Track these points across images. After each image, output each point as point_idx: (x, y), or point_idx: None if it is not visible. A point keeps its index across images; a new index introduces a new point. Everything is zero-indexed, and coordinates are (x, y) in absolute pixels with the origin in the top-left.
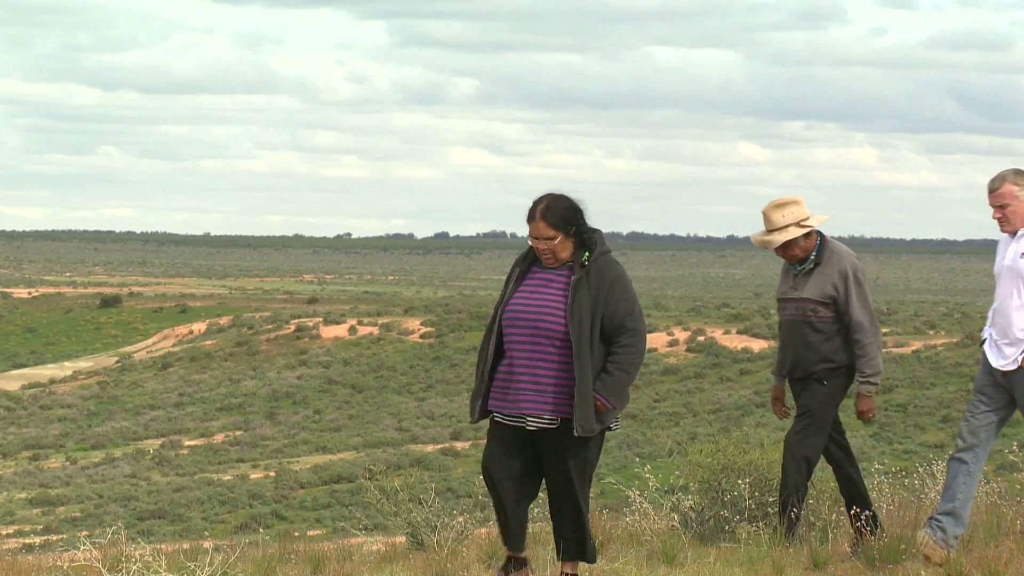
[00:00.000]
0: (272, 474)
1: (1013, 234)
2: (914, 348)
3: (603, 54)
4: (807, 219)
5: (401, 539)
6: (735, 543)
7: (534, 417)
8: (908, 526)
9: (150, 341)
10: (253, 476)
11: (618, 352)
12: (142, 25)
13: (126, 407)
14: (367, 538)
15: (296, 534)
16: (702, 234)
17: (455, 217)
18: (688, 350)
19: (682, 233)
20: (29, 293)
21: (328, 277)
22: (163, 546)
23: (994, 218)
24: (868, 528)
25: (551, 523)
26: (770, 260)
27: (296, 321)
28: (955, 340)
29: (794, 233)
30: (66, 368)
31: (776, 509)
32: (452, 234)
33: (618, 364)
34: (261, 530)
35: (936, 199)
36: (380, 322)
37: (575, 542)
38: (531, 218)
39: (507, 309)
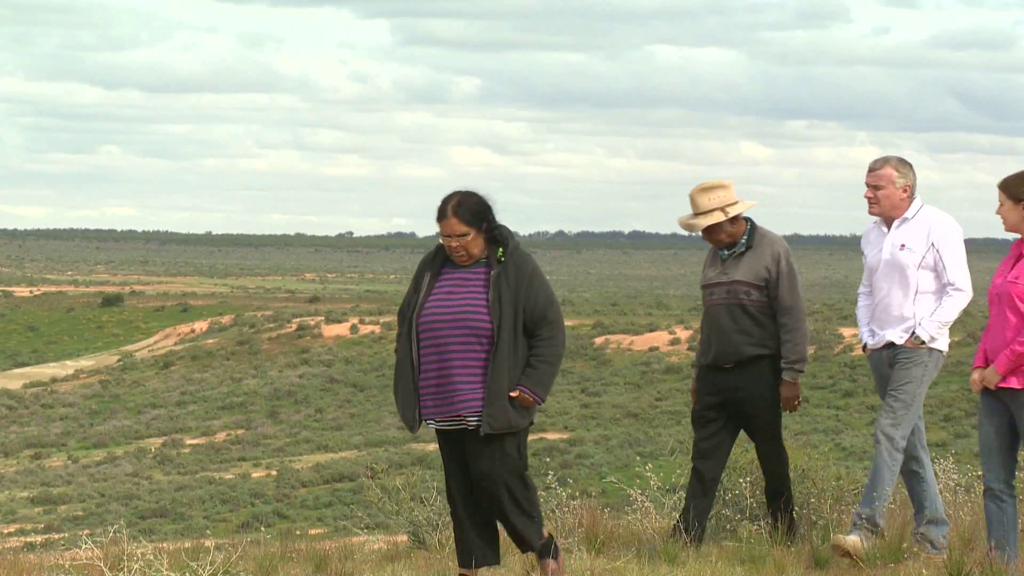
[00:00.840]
0: (274, 473)
1: (883, 222)
2: None
3: (605, 53)
4: (733, 204)
5: (403, 538)
6: (737, 541)
7: (473, 415)
8: (910, 525)
9: (152, 340)
10: (255, 475)
11: (540, 345)
12: (145, 24)
13: (128, 406)
14: (369, 537)
15: (298, 533)
16: None
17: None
18: (690, 349)
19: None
20: (31, 292)
21: (330, 276)
22: (165, 545)
23: (865, 196)
24: (787, 518)
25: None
26: None
27: (298, 320)
28: (957, 339)
29: (718, 218)
30: (68, 367)
31: (779, 508)
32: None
33: (542, 357)
34: (263, 529)
35: (937, 198)
36: (382, 321)
37: (520, 540)
38: (442, 216)
39: (426, 313)
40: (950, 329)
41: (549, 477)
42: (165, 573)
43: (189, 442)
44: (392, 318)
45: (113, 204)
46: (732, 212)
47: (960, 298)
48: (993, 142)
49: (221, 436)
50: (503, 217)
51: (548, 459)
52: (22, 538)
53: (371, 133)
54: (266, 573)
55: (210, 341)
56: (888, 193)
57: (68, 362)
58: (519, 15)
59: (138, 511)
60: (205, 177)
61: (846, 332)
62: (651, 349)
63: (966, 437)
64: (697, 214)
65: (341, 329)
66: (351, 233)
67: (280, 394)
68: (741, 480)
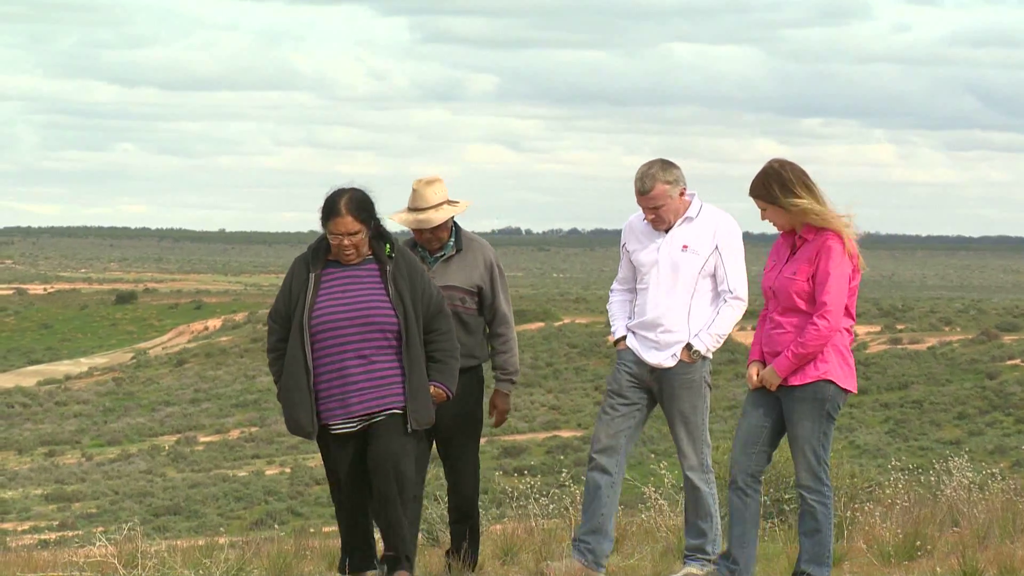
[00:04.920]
0: (287, 470)
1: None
2: (929, 344)
3: (623, 51)
4: (454, 201)
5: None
6: None
7: (378, 412)
8: (923, 523)
9: (165, 337)
10: (268, 472)
11: (438, 340)
12: (163, 22)
13: (141, 403)
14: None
15: (312, 530)
16: None
17: (471, 213)
18: None
19: None
20: (45, 289)
21: None
22: (178, 542)
23: (647, 219)
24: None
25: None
26: None
27: None
28: (971, 336)
29: (448, 212)
30: (82, 364)
31: (792, 507)
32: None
33: (444, 351)
34: (276, 526)
35: (952, 196)
36: None
37: (396, 549)
38: (336, 214)
39: (319, 313)
40: (964, 327)
41: (563, 474)
42: (179, 571)
43: (203, 439)
44: None
45: (127, 201)
46: (459, 208)
47: (738, 308)
48: (1010, 140)
49: (235, 433)
50: (519, 215)
51: (562, 457)
52: (36, 535)
53: (386, 131)
54: (280, 571)
55: (224, 338)
56: (669, 207)
57: (82, 359)
58: (538, 12)
59: (152, 508)
60: (219, 175)
61: (859, 330)
62: None
63: (980, 435)
64: (426, 208)
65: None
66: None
67: None
68: None
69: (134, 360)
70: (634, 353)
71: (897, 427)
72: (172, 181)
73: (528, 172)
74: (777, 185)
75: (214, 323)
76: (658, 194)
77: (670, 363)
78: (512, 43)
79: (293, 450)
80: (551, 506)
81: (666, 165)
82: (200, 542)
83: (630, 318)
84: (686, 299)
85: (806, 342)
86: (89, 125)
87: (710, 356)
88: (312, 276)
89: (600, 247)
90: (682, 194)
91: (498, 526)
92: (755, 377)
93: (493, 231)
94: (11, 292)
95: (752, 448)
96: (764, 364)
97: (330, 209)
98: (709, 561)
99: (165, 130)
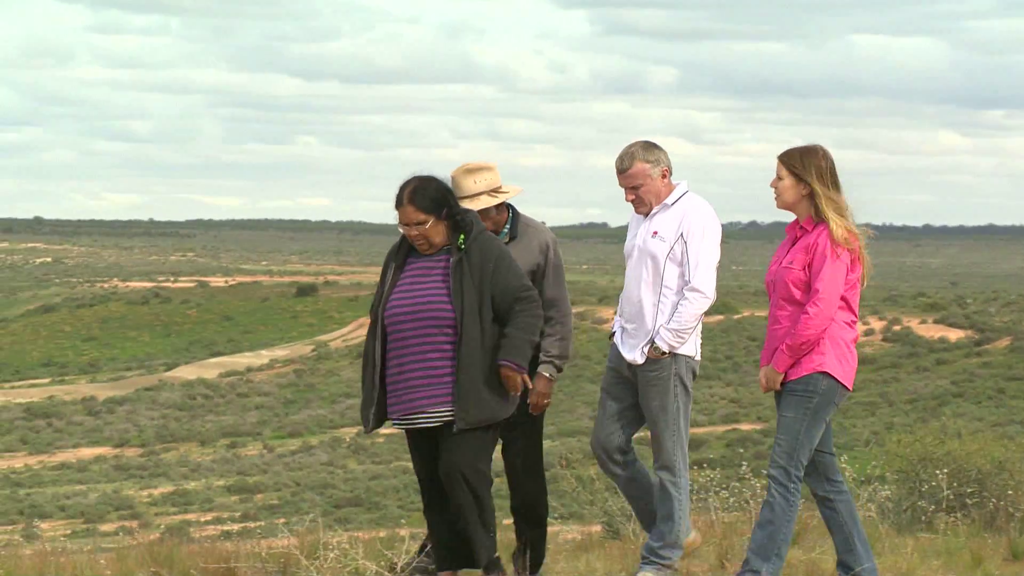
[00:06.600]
0: None
1: (647, 214)
2: None
3: (805, 43)
4: (500, 188)
5: (596, 528)
6: (933, 533)
7: (435, 412)
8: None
9: (346, 329)
10: None
11: (514, 317)
12: (346, 16)
13: (322, 395)
14: (563, 526)
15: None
16: (898, 223)
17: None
18: (884, 339)
19: (877, 222)
20: (226, 282)
21: None
22: (360, 534)
23: (627, 200)
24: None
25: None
26: (968, 249)
27: None
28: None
29: (487, 202)
30: (263, 356)
31: (974, 501)
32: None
33: (515, 324)
34: None
35: None
36: (574, 311)
37: (478, 558)
38: (399, 204)
39: (389, 305)
40: None
41: (743, 467)
42: (360, 562)
43: (383, 431)
44: (585, 308)
45: (308, 194)
46: (501, 197)
47: (697, 301)
48: None
49: None
50: None
51: (742, 450)
52: (219, 526)
53: (566, 123)
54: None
55: None
56: (649, 188)
57: (263, 352)
58: (718, 5)
59: (333, 500)
60: (400, 167)
61: None
62: None
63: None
64: (462, 198)
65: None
66: (544, 223)
67: None
68: (938, 472)
69: (315, 352)
70: (616, 349)
71: None
72: (353, 174)
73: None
74: (816, 168)
75: None
76: (637, 172)
77: (640, 359)
78: (693, 35)
79: None
80: (731, 499)
81: (648, 145)
82: (381, 534)
83: (620, 313)
84: (654, 288)
85: (798, 332)
86: (271, 118)
87: (691, 354)
88: (392, 268)
89: (779, 239)
90: (664, 176)
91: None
92: (764, 381)
93: None
94: (193, 285)
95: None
96: None
97: (395, 199)
98: (665, 566)
99: (346, 123)
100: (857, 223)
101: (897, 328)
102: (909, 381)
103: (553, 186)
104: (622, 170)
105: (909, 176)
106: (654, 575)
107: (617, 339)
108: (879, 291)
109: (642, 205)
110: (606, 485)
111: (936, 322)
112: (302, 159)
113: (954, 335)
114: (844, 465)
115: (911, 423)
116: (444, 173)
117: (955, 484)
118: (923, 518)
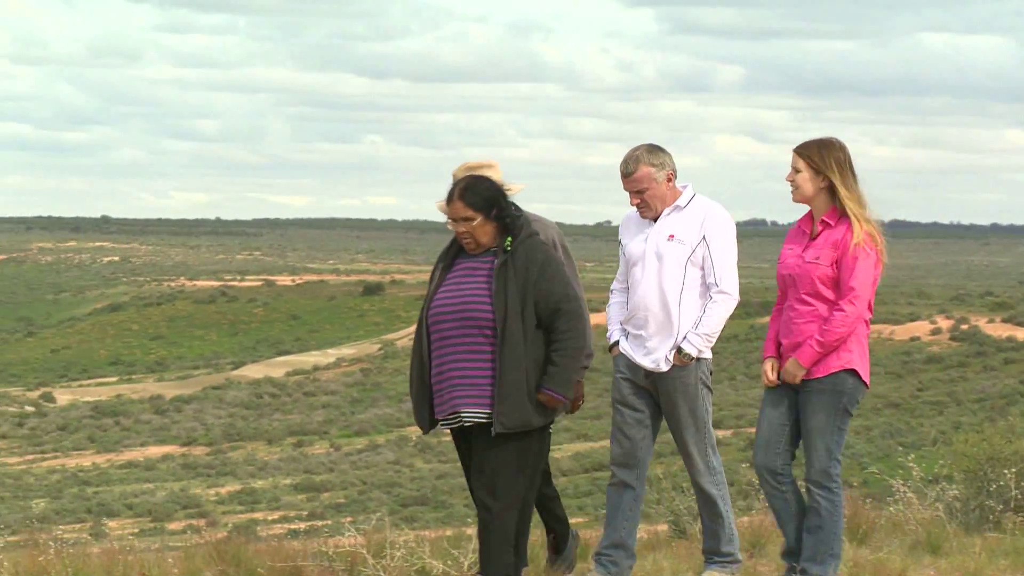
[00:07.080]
0: None
1: (653, 218)
2: None
3: (874, 40)
4: (504, 186)
5: (663, 527)
6: (1001, 533)
7: (468, 413)
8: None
9: (412, 328)
10: None
11: (559, 340)
12: (415, 14)
13: (389, 394)
14: None
15: None
16: (965, 222)
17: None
18: (951, 339)
19: (945, 220)
20: (293, 281)
21: (588, 264)
22: (426, 533)
23: (632, 204)
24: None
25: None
26: None
27: None
28: None
29: None
30: (329, 355)
31: None
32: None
33: (561, 352)
34: None
35: None
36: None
37: (483, 559)
38: (449, 199)
39: (432, 304)
40: None
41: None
42: (427, 561)
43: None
44: None
45: (375, 193)
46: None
47: (725, 303)
48: None
49: None
50: (766, 207)
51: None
52: (286, 525)
53: (634, 122)
54: (528, 561)
55: None
56: (654, 192)
57: (330, 350)
58: (787, 3)
59: (400, 499)
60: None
61: None
62: (912, 339)
63: None
64: None
65: (599, 318)
66: (609, 222)
67: None
68: (1006, 471)
69: (381, 351)
70: (627, 358)
71: None
72: (420, 173)
73: (775, 163)
74: (835, 161)
75: None
76: (642, 176)
77: (664, 367)
78: (760, 34)
79: None
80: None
81: (653, 148)
82: (448, 533)
83: (628, 321)
84: (675, 292)
85: (832, 328)
86: (338, 117)
87: (708, 356)
88: (439, 268)
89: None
90: (670, 180)
91: (745, 518)
92: (771, 374)
93: (739, 222)
94: (260, 283)
95: (775, 448)
96: (779, 360)
97: (447, 194)
98: (728, 561)
99: (413, 122)
100: (872, 216)
101: (965, 327)
102: (977, 380)
103: (620, 185)
104: (627, 174)
105: (978, 175)
106: (719, 573)
107: (625, 348)
108: (947, 290)
109: (647, 209)
110: (673, 484)
111: (1004, 321)
112: (369, 158)
113: (1022, 334)
114: (911, 464)
115: (979, 422)
116: (512, 172)
117: (1023, 484)
118: (991, 518)
